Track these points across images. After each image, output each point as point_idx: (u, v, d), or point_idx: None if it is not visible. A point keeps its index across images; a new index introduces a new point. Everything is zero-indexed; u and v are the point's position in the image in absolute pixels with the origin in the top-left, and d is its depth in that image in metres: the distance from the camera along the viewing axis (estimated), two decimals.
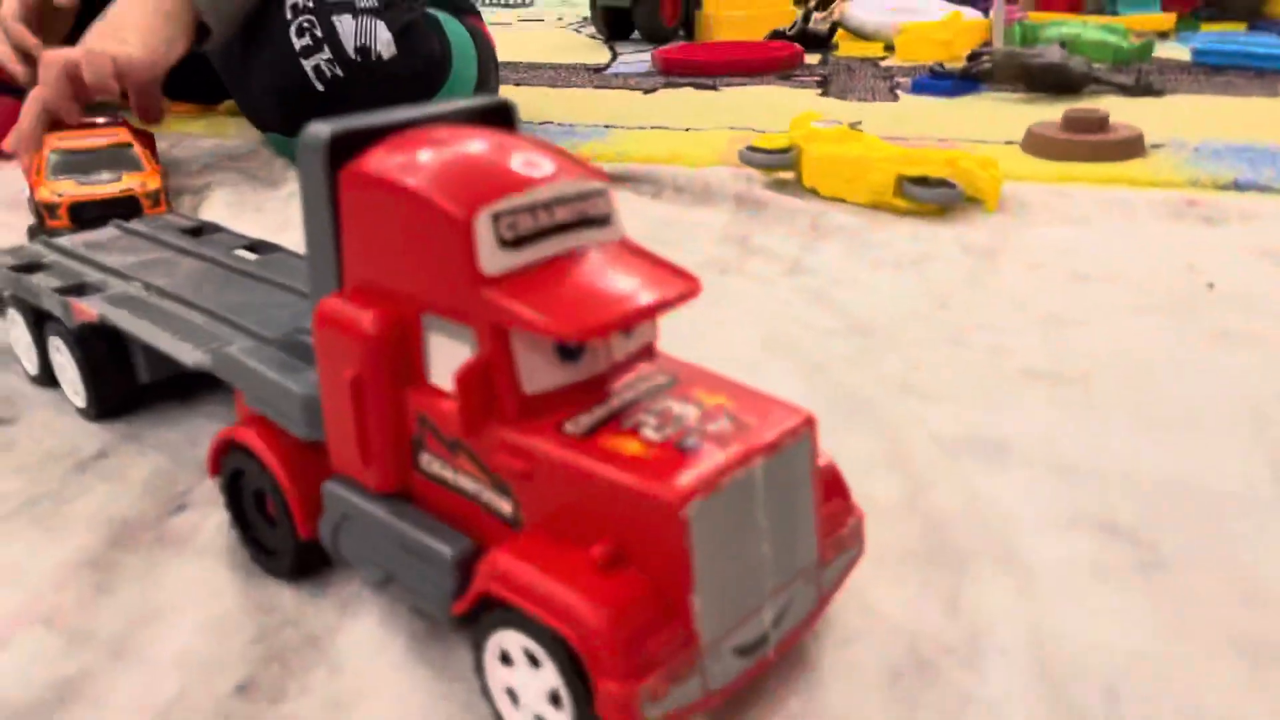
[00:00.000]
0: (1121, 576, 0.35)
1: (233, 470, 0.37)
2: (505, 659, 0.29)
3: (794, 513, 0.29)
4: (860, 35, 1.67)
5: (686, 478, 0.26)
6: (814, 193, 0.80)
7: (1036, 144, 0.94)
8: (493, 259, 0.28)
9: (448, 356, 0.29)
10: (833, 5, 1.75)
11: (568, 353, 0.29)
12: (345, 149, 0.31)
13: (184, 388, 0.49)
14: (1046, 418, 0.46)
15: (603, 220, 0.31)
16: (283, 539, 0.36)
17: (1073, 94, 1.20)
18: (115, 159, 0.68)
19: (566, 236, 0.29)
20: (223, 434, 0.36)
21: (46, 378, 0.50)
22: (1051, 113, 0.98)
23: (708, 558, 0.27)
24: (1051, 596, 0.34)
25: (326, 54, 0.84)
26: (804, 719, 0.29)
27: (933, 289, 0.62)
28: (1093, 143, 0.91)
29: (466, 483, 0.30)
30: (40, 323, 0.48)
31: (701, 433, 0.28)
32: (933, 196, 0.75)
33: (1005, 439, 0.44)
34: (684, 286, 0.29)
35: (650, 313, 0.28)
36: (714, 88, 1.32)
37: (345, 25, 0.84)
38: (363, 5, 0.85)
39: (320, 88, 0.84)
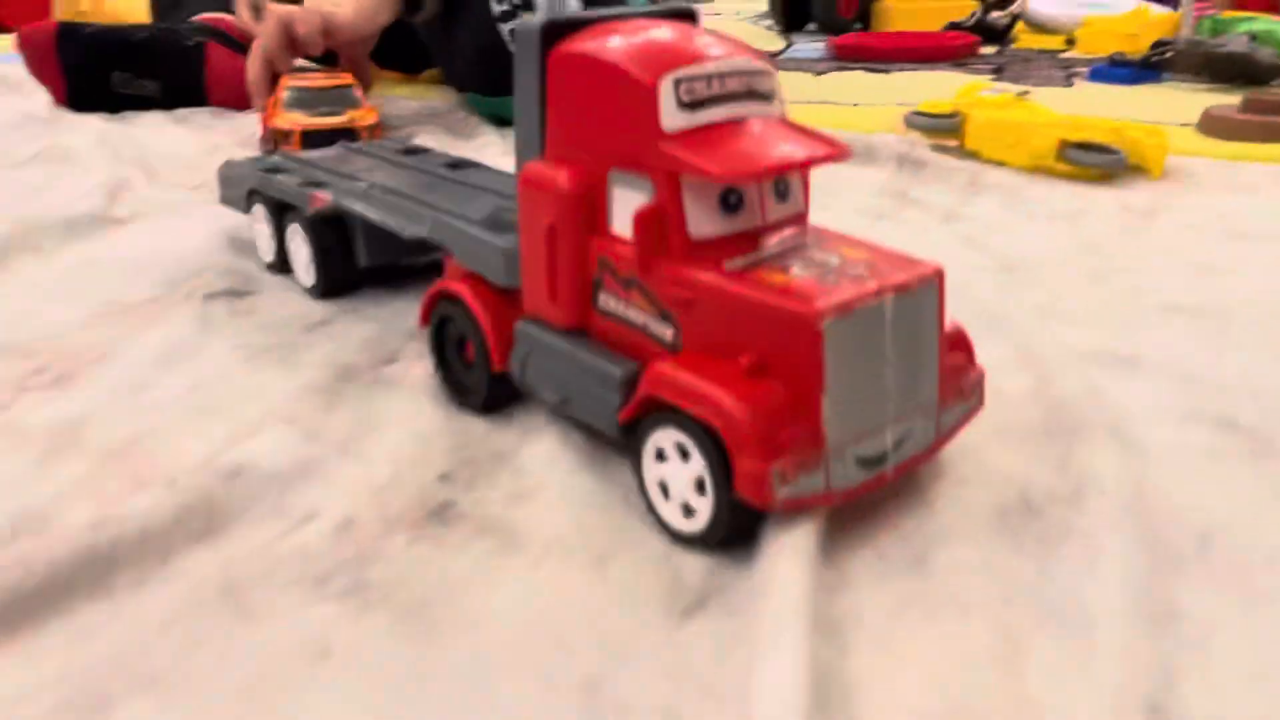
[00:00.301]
0: (1231, 459, 0.38)
1: (440, 319, 0.43)
2: (660, 456, 0.34)
3: (918, 350, 0.34)
4: (1041, 29, 1.66)
5: (825, 300, 0.31)
6: (975, 156, 0.82)
7: (1212, 124, 0.93)
8: (672, 118, 0.33)
9: (628, 206, 0.35)
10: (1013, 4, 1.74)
11: (729, 205, 0.35)
12: (553, 37, 0.37)
13: (393, 279, 0.57)
14: (1180, 341, 0.48)
15: (768, 96, 0.36)
16: (478, 377, 0.42)
17: (1258, 85, 1.17)
18: (340, 97, 0.77)
19: (735, 105, 0.35)
20: (434, 287, 0.43)
21: (280, 265, 0.58)
22: (1233, 101, 0.97)
23: (838, 370, 0.31)
24: (1160, 464, 0.37)
25: (523, 18, 0.92)
26: (914, 537, 0.34)
27: (1084, 238, 0.64)
28: (1271, 124, 0.90)
29: (635, 315, 0.36)
30: (280, 215, 0.57)
31: (841, 272, 0.33)
32: (1095, 161, 0.76)
33: (1136, 354, 0.47)
34: (833, 150, 0.34)
35: (800, 165, 0.33)
36: (886, 71, 1.35)
37: None
38: None
39: (514, 50, 0.92)
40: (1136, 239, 0.64)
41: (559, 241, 0.37)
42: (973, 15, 1.65)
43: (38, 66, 1.06)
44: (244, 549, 0.34)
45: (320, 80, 0.78)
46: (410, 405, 0.43)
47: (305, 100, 0.76)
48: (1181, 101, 1.09)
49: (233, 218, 0.66)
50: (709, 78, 0.34)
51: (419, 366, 0.46)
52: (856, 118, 1.00)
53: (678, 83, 0.33)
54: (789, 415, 0.31)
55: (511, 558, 0.33)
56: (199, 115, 1.04)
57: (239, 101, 1.06)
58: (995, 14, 1.68)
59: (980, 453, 0.38)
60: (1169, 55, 1.23)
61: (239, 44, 1.06)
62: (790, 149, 0.34)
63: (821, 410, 0.31)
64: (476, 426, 0.42)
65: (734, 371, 0.32)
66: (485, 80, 0.96)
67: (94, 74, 1.05)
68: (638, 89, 0.33)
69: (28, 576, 0.31)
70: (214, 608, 0.31)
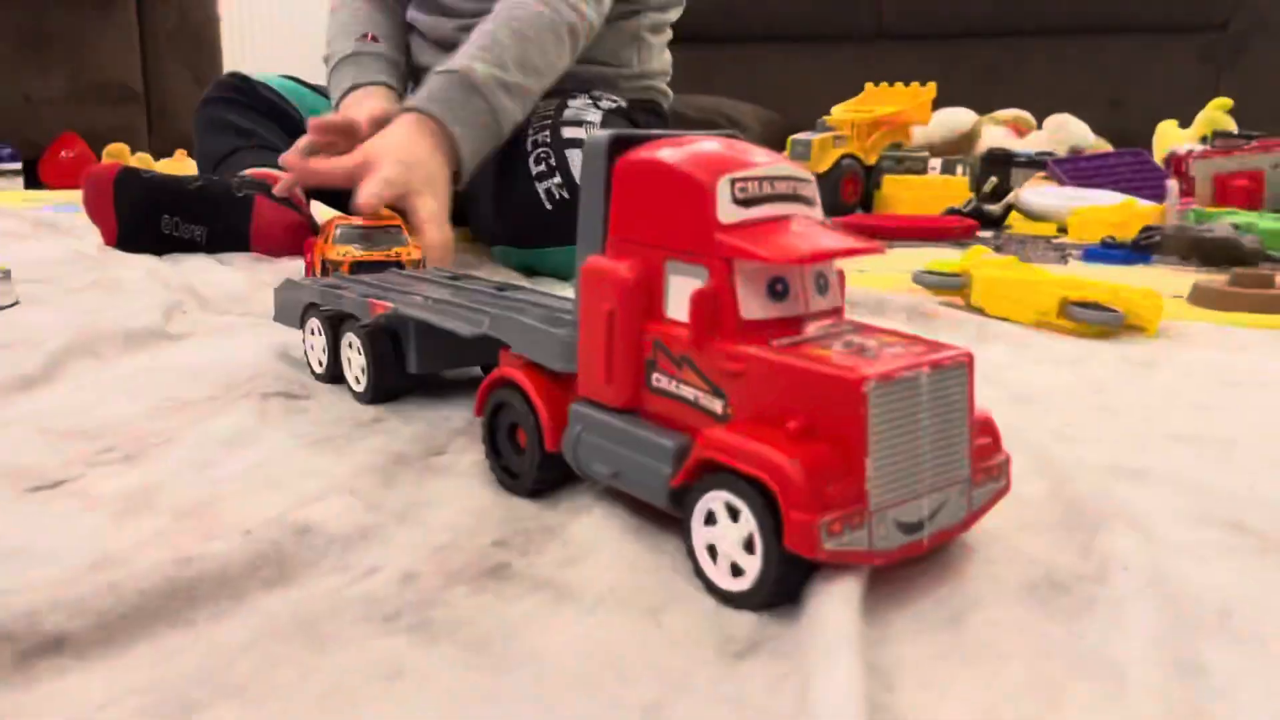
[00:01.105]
0: (1244, 554, 0.40)
1: (494, 406, 0.46)
2: (709, 519, 0.36)
3: (950, 426, 0.36)
4: (1034, 217, 1.75)
5: (867, 368, 0.34)
6: (981, 312, 0.87)
7: (1202, 296, 0.98)
8: (727, 212, 0.37)
9: (684, 292, 0.39)
10: (1008, 193, 1.84)
11: (775, 292, 0.38)
12: (617, 149, 0.42)
13: (437, 386, 0.60)
14: (1187, 460, 0.51)
15: (810, 200, 0.40)
16: (529, 460, 0.45)
17: (1243, 267, 1.24)
18: (386, 236, 0.83)
19: (782, 205, 0.39)
20: (491, 374, 0.46)
21: (331, 376, 0.62)
22: (1221, 279, 1.03)
23: (880, 433, 0.34)
24: (1178, 552, 0.39)
25: (558, 179, 0.99)
26: (949, 601, 0.35)
27: (1090, 380, 0.67)
28: (1260, 296, 0.95)
29: (687, 391, 0.39)
30: (335, 327, 0.61)
31: (879, 351, 0.36)
32: (1095, 318, 0.80)
33: (1147, 468, 0.49)
34: (870, 246, 0.38)
35: (841, 253, 0.37)
36: (890, 247, 1.42)
37: (575, 157, 0.99)
38: None
39: (549, 207, 0.99)
40: (1137, 383, 0.67)
41: (618, 325, 0.40)
42: (969, 203, 1.74)
43: (94, 205, 1.12)
44: (315, 592, 0.35)
45: (368, 220, 0.83)
46: (462, 487, 0.46)
47: (354, 236, 0.82)
48: (1172, 279, 1.16)
49: (282, 336, 0.69)
50: (759, 179, 0.38)
51: (467, 457, 0.49)
52: (864, 280, 1.05)
53: (733, 181, 0.38)
54: (835, 474, 0.34)
55: (567, 606, 0.35)
56: (241, 259, 1.10)
57: (281, 250, 1.11)
58: (990, 205, 1.79)
59: (1006, 539, 0.40)
60: (1158, 239, 1.30)
61: (286, 198, 1.13)
62: (832, 241, 0.38)
63: (865, 471, 0.34)
64: (526, 506, 0.44)
65: (783, 434, 0.35)
66: (519, 233, 1.02)
67: (145, 217, 1.11)
68: (698, 187, 0.38)
69: (116, 603, 0.32)
70: (289, 636, 0.32)
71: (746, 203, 0.38)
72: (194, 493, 0.44)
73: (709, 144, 0.40)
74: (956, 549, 0.39)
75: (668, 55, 1.28)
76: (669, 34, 1.27)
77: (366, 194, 0.83)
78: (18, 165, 1.84)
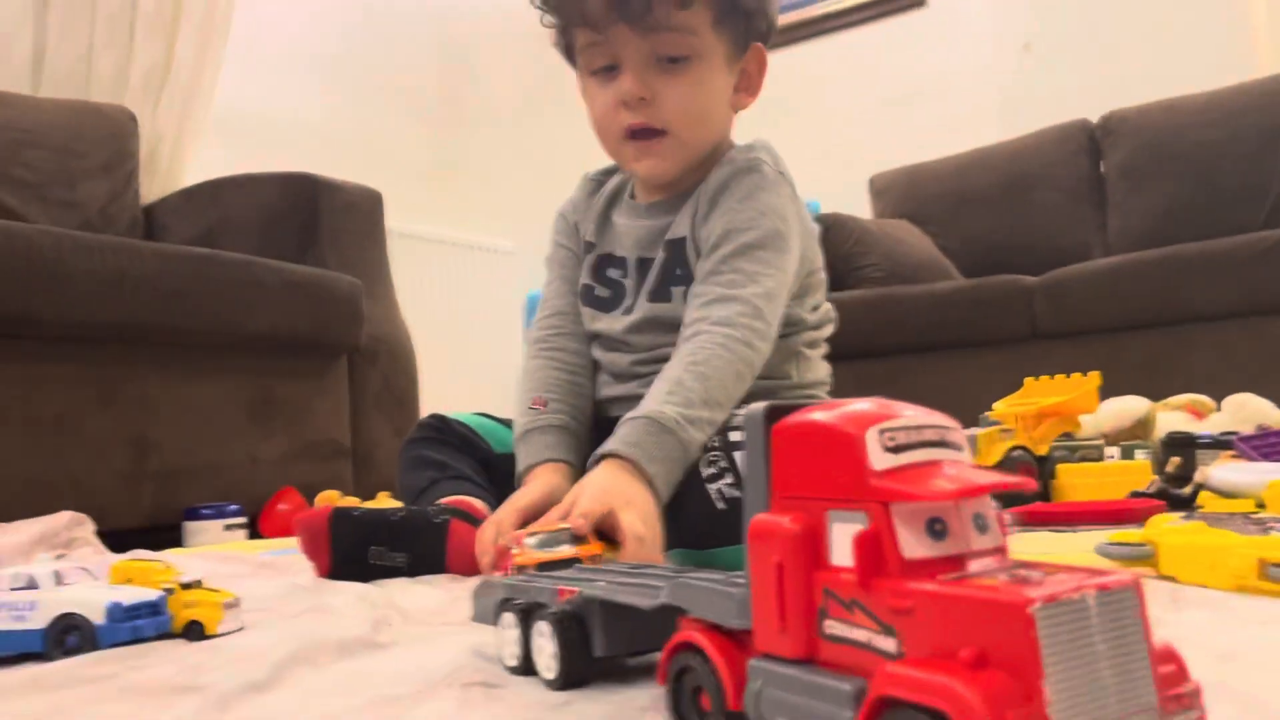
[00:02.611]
0: None
1: (676, 671, 0.48)
2: None
3: (1128, 650, 0.37)
4: (1226, 496, 1.67)
5: (1033, 592, 0.36)
6: (1172, 580, 0.83)
7: None
8: (878, 460, 0.41)
9: (846, 538, 0.41)
10: (1193, 474, 1.77)
11: (935, 532, 0.40)
12: (773, 418, 0.46)
13: (621, 672, 0.62)
14: None
15: (957, 446, 0.43)
16: None
17: None
18: (571, 537, 0.89)
19: (931, 450, 0.42)
20: (673, 640, 0.49)
21: (524, 669, 0.65)
22: None
23: (1054, 656, 0.35)
24: None
25: (729, 479, 1.04)
26: None
27: None
28: None
29: (859, 634, 0.40)
30: (527, 620, 0.65)
31: (1044, 579, 0.38)
32: None
33: None
34: (1020, 480, 0.40)
35: (988, 488, 0.39)
36: (1073, 531, 1.38)
37: (744, 458, 1.05)
38: None
39: (721, 506, 1.03)
40: None
41: (787, 576, 0.43)
42: (1152, 484, 1.68)
43: (310, 544, 1.23)
44: None
45: (558, 526, 0.91)
46: None
47: (546, 541, 0.89)
48: None
49: (478, 637, 0.74)
50: (906, 428, 0.42)
51: None
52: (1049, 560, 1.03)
53: (881, 431, 0.41)
54: (1015, 700, 0.34)
55: None
56: (439, 579, 1.17)
57: (474, 569, 1.18)
58: (1176, 486, 1.72)
59: None
60: None
61: (479, 521, 1.21)
62: (980, 479, 0.40)
63: (1045, 696, 0.34)
64: None
65: (959, 665, 0.36)
66: (693, 535, 1.06)
67: (356, 550, 1.21)
68: (848, 438, 0.41)
69: None
70: None
71: (896, 450, 0.41)
72: None
73: (858, 402, 0.45)
74: None
75: (826, 366, 1.35)
76: (825, 347, 1.35)
77: (574, 519, 0.92)
78: (243, 520, 2.03)
